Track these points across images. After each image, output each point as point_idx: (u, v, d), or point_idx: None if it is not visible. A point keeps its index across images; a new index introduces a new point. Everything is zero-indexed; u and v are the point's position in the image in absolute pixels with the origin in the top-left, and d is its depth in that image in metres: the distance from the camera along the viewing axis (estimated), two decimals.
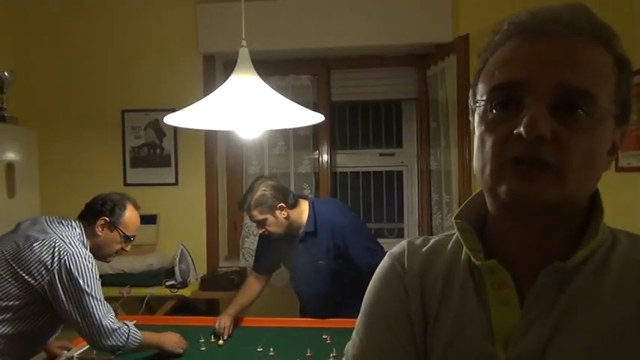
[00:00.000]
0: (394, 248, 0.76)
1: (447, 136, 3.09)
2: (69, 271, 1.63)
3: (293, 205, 2.15)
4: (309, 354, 1.84)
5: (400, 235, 3.59)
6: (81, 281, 1.64)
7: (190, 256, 3.17)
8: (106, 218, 1.85)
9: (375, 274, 0.75)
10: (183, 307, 3.13)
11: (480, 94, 0.63)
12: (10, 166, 3.01)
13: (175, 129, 3.26)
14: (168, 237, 3.30)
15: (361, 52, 3.39)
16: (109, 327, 1.66)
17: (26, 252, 1.64)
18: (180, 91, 3.28)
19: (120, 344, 1.68)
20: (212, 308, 3.28)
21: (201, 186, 3.36)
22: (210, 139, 3.34)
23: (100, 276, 2.98)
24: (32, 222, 1.77)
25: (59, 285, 1.63)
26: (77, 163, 3.37)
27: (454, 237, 0.72)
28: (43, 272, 1.63)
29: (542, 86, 0.57)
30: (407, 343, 0.67)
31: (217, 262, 3.40)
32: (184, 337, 2.01)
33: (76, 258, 1.66)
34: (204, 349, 1.92)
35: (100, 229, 1.85)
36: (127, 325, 1.73)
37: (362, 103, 3.65)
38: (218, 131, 3.19)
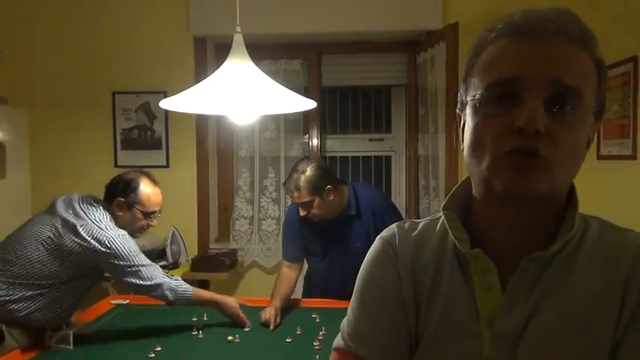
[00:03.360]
0: (384, 232, 0.81)
1: (436, 123, 3.14)
2: (112, 254, 1.75)
3: (337, 188, 2.14)
4: (299, 332, 1.90)
5: None
6: (125, 258, 1.77)
7: (181, 237, 3.21)
8: (121, 199, 1.89)
9: (367, 256, 0.80)
10: None
11: (475, 89, 0.66)
12: (0, 146, 3.02)
13: (166, 112, 3.27)
14: (159, 218, 3.33)
15: (352, 38, 3.41)
16: (156, 280, 1.83)
17: (66, 239, 1.74)
18: (171, 73, 3.30)
19: (169, 298, 1.86)
20: (203, 289, 3.32)
21: (192, 168, 3.38)
22: (201, 122, 3.36)
23: None
24: (66, 204, 1.84)
25: (110, 266, 1.78)
26: (68, 145, 3.37)
27: (440, 221, 0.76)
28: (89, 256, 1.75)
29: (539, 82, 0.61)
30: (401, 323, 0.72)
31: (208, 243, 3.45)
32: (176, 316, 2.06)
33: (113, 240, 1.77)
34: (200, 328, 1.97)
35: (118, 209, 1.90)
36: (172, 279, 1.88)
37: (352, 89, 3.69)
38: (209, 115, 3.21)
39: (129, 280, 1.80)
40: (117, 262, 1.77)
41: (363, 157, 3.70)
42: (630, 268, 0.64)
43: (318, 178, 2.05)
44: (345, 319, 0.77)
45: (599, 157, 2.61)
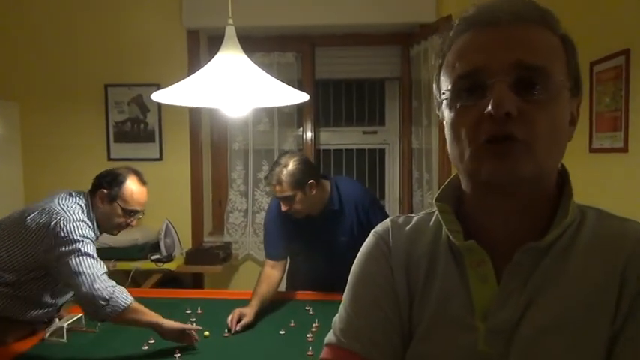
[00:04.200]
0: (378, 227, 0.80)
1: (429, 116, 3.15)
2: (62, 234, 1.68)
3: (319, 183, 2.10)
4: (292, 324, 1.92)
5: None
6: (72, 242, 1.68)
7: (175, 230, 3.21)
8: (104, 191, 1.87)
9: (360, 252, 0.80)
10: (169, 280, 3.18)
11: (445, 86, 0.68)
12: None
13: (159, 104, 3.26)
14: (152, 212, 3.30)
15: (346, 30, 3.41)
16: (92, 273, 1.65)
17: (27, 221, 1.73)
18: (164, 66, 3.28)
19: (104, 296, 1.64)
20: (197, 282, 3.35)
21: (185, 161, 3.38)
22: (194, 114, 3.35)
23: None
24: (50, 196, 1.85)
25: (55, 247, 1.68)
26: (60, 138, 3.35)
27: (434, 216, 0.76)
28: (41, 236, 1.70)
29: (501, 68, 0.62)
30: (394, 317, 0.72)
31: (202, 236, 3.45)
32: (170, 309, 2.06)
33: (68, 222, 1.70)
34: (194, 319, 1.97)
35: (100, 201, 1.87)
36: (116, 287, 1.69)
37: (346, 81, 3.68)
38: (202, 107, 3.20)
39: (66, 267, 1.66)
40: (62, 247, 1.67)
41: (356, 150, 3.70)
42: (627, 258, 0.63)
43: (301, 173, 2.00)
44: (337, 315, 0.77)
45: (591, 150, 2.62)
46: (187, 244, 3.35)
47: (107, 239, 3.01)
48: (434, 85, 0.72)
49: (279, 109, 3.43)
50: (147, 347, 1.70)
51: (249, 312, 1.93)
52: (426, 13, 3.12)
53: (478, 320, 0.66)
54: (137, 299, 2.05)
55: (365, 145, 3.69)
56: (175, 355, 1.61)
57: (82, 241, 1.70)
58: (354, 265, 0.79)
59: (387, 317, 0.72)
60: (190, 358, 1.64)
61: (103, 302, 1.64)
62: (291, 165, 2.01)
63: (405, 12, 3.16)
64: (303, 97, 1.82)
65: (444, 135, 2.64)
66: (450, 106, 0.67)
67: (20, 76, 3.34)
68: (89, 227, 1.78)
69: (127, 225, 1.94)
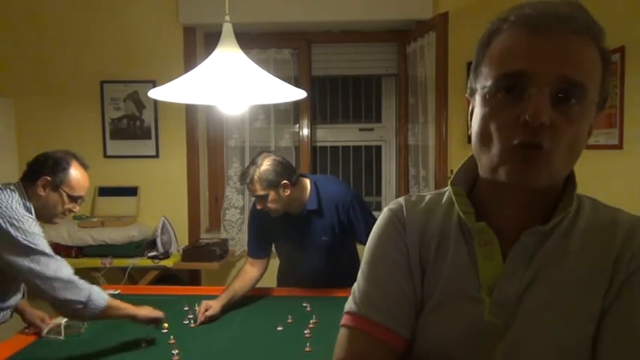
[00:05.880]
0: (391, 204, 0.85)
1: (425, 112, 3.15)
2: (11, 234, 1.57)
3: (295, 183, 2.09)
4: (289, 321, 1.92)
5: (378, 208, 3.68)
6: (24, 240, 1.58)
7: (172, 227, 3.21)
8: (48, 178, 1.74)
9: (375, 227, 0.84)
10: (166, 277, 3.18)
11: (485, 78, 0.69)
12: None
13: (155, 101, 3.25)
14: (149, 209, 3.33)
15: (342, 27, 3.41)
16: (65, 277, 1.58)
17: None
18: (160, 62, 3.27)
19: (80, 299, 1.58)
20: (194, 279, 3.35)
21: (182, 158, 3.37)
22: (190, 111, 3.35)
23: (82, 247, 3.06)
24: None
25: (6, 249, 1.58)
26: (56, 135, 3.34)
27: (445, 196, 0.82)
28: None
29: (546, 78, 0.64)
30: (409, 291, 0.77)
31: (199, 233, 3.45)
32: (168, 306, 2.07)
33: (15, 219, 1.60)
34: (191, 315, 1.98)
35: (42, 189, 1.74)
36: (87, 284, 1.63)
37: (342, 78, 3.68)
38: (199, 104, 3.20)
39: (29, 272, 1.56)
40: (14, 247, 1.56)
41: (353, 146, 3.70)
42: (621, 246, 0.69)
43: (274, 173, 2.02)
44: (356, 285, 0.81)
45: (587, 146, 2.64)
46: (184, 241, 3.35)
47: (104, 237, 3.03)
48: (472, 72, 0.73)
49: (276, 105, 3.43)
50: (145, 345, 1.70)
51: (215, 305, 1.98)
52: (422, 10, 3.12)
53: (484, 294, 0.72)
54: (134, 297, 2.06)
55: (361, 142, 3.69)
56: (173, 352, 1.62)
57: (38, 241, 1.60)
58: (369, 240, 0.83)
59: (403, 292, 0.77)
60: (189, 356, 1.64)
61: (80, 306, 1.59)
62: (265, 165, 2.02)
63: (401, 9, 3.16)
64: (299, 94, 1.82)
65: (440, 132, 2.66)
66: (485, 101, 0.69)
67: (15, 72, 3.32)
68: (35, 221, 1.67)
69: (70, 212, 1.84)
